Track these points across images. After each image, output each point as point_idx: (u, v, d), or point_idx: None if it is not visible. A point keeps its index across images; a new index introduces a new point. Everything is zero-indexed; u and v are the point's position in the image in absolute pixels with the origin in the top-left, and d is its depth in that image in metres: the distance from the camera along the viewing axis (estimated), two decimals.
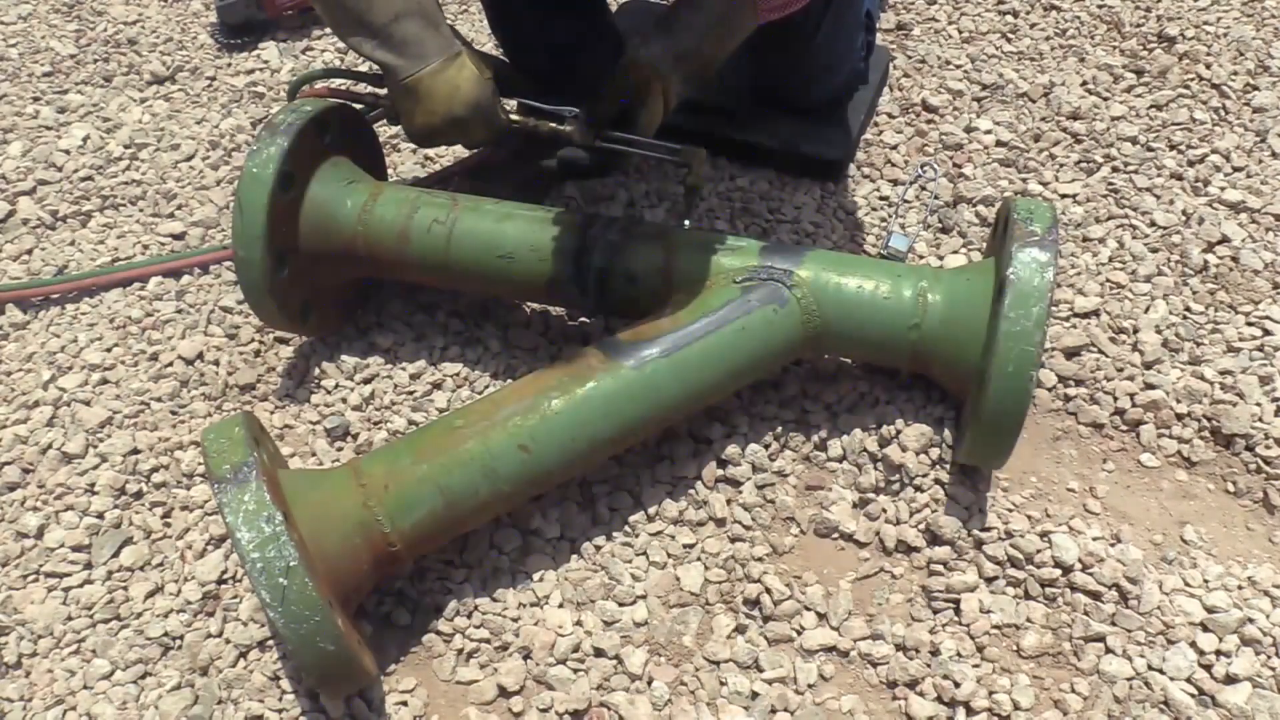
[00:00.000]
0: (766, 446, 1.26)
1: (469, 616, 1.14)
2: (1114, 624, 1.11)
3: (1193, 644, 1.09)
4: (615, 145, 1.24)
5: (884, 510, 1.21)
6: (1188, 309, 1.42)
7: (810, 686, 1.08)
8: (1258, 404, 1.29)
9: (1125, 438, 1.30)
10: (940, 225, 1.56)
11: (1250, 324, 1.39)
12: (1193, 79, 1.78)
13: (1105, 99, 1.76)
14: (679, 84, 1.23)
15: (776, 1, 1.22)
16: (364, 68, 1.93)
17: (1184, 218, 1.55)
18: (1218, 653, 1.08)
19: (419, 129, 1.22)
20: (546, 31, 1.50)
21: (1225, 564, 1.17)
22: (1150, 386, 1.32)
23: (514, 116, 1.27)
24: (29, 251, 1.58)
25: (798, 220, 1.57)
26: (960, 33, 1.93)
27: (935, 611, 1.14)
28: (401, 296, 1.48)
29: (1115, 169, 1.63)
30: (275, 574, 0.90)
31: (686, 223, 1.27)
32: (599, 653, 1.10)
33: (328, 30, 2.02)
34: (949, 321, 1.15)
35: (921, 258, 1.52)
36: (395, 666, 1.11)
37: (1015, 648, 1.10)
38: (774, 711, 1.06)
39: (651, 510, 1.22)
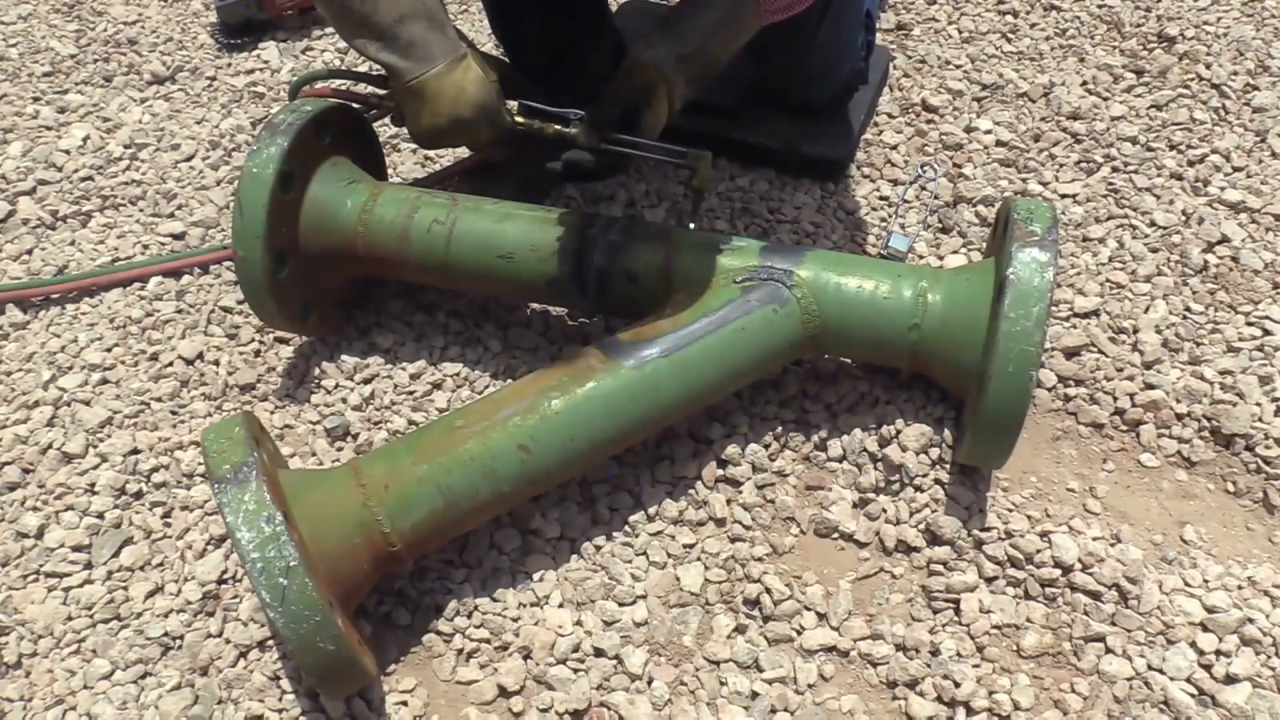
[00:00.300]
0: (766, 446, 1.26)
1: (469, 616, 1.14)
2: (1114, 624, 1.11)
3: (1193, 644, 1.09)
4: (620, 148, 1.24)
5: (884, 510, 1.21)
6: (1188, 309, 1.42)
7: (810, 686, 1.08)
8: (1258, 404, 1.29)
9: (1125, 438, 1.30)
10: (940, 225, 1.56)
11: (1250, 324, 1.39)
12: (1193, 79, 1.78)
13: (1105, 99, 1.76)
14: (683, 86, 1.23)
15: (781, 2, 1.22)
16: (363, 68, 1.93)
17: (1184, 218, 1.55)
18: (1218, 653, 1.08)
19: (424, 131, 1.21)
20: (547, 31, 1.49)
21: (1225, 564, 1.17)
22: (1150, 386, 1.32)
23: (519, 119, 1.27)
24: (29, 251, 1.58)
25: (798, 220, 1.57)
26: (960, 33, 1.93)
27: (935, 611, 1.14)
28: (401, 296, 1.48)
29: (1115, 169, 1.63)
30: (275, 574, 0.90)
31: (691, 225, 1.26)
32: (599, 653, 1.10)
33: (328, 30, 2.02)
34: (949, 321, 1.15)
35: (921, 258, 1.52)
36: (395, 666, 1.11)
37: (1015, 648, 1.10)
38: (774, 711, 1.06)
39: (651, 510, 1.22)
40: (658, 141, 1.24)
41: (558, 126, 1.27)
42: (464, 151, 1.69)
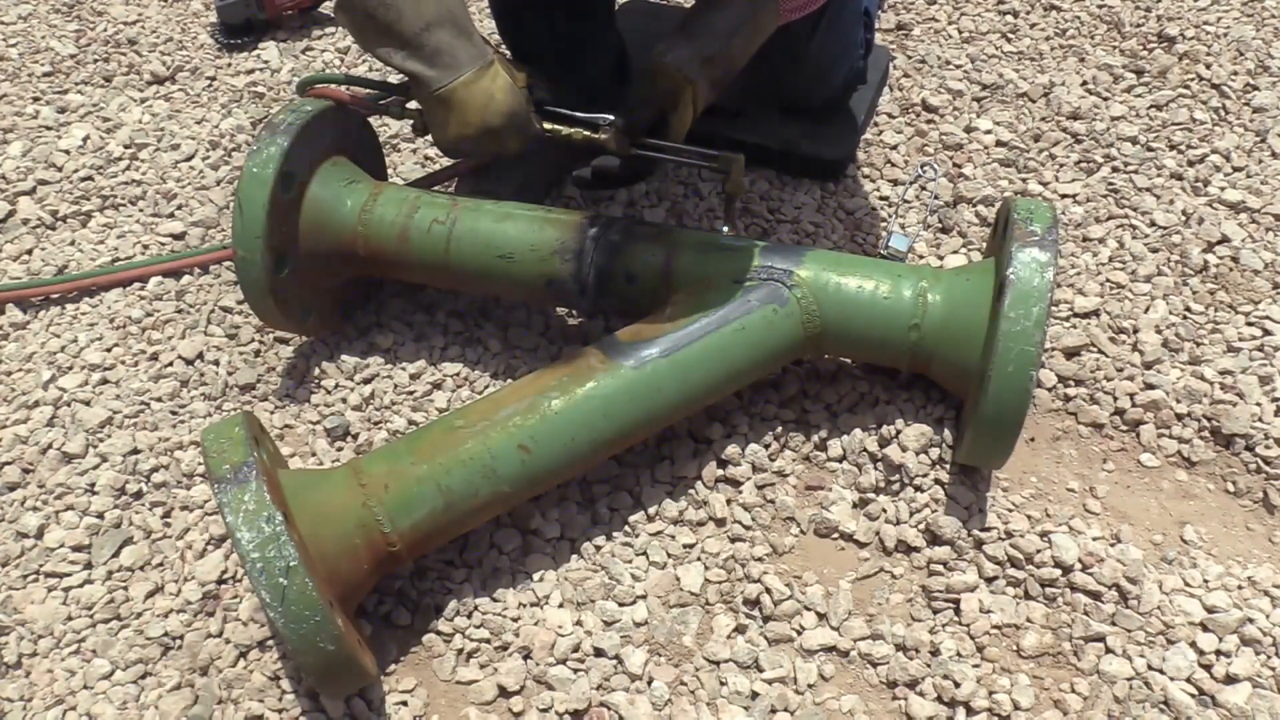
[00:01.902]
0: (766, 446, 1.26)
1: (469, 616, 1.14)
2: (1114, 624, 1.11)
3: (1193, 644, 1.09)
4: (651, 153, 1.23)
5: (884, 510, 1.21)
6: (1188, 309, 1.42)
7: (810, 686, 1.08)
8: (1258, 404, 1.29)
9: (1125, 438, 1.30)
10: (940, 225, 1.56)
11: (1250, 324, 1.39)
12: (1193, 79, 1.78)
13: (1105, 99, 1.76)
14: (706, 88, 1.22)
15: (798, 1, 1.22)
16: (362, 69, 1.93)
17: (1184, 218, 1.55)
18: (1218, 653, 1.08)
19: (452, 140, 1.19)
20: (554, 33, 1.49)
21: (1225, 564, 1.17)
22: (1150, 386, 1.32)
23: (547, 125, 1.25)
24: (29, 251, 1.58)
25: (798, 220, 1.57)
26: (960, 33, 1.93)
27: (935, 611, 1.14)
28: (401, 296, 1.48)
29: (1115, 169, 1.63)
30: (275, 574, 0.90)
31: (726, 229, 1.26)
32: (599, 653, 1.10)
33: (328, 30, 2.02)
34: (949, 321, 1.15)
35: (921, 258, 1.52)
36: (395, 666, 1.11)
37: (1015, 648, 1.10)
38: (774, 711, 1.06)
39: (651, 510, 1.22)
40: (686, 145, 1.23)
41: (586, 132, 1.25)
42: None
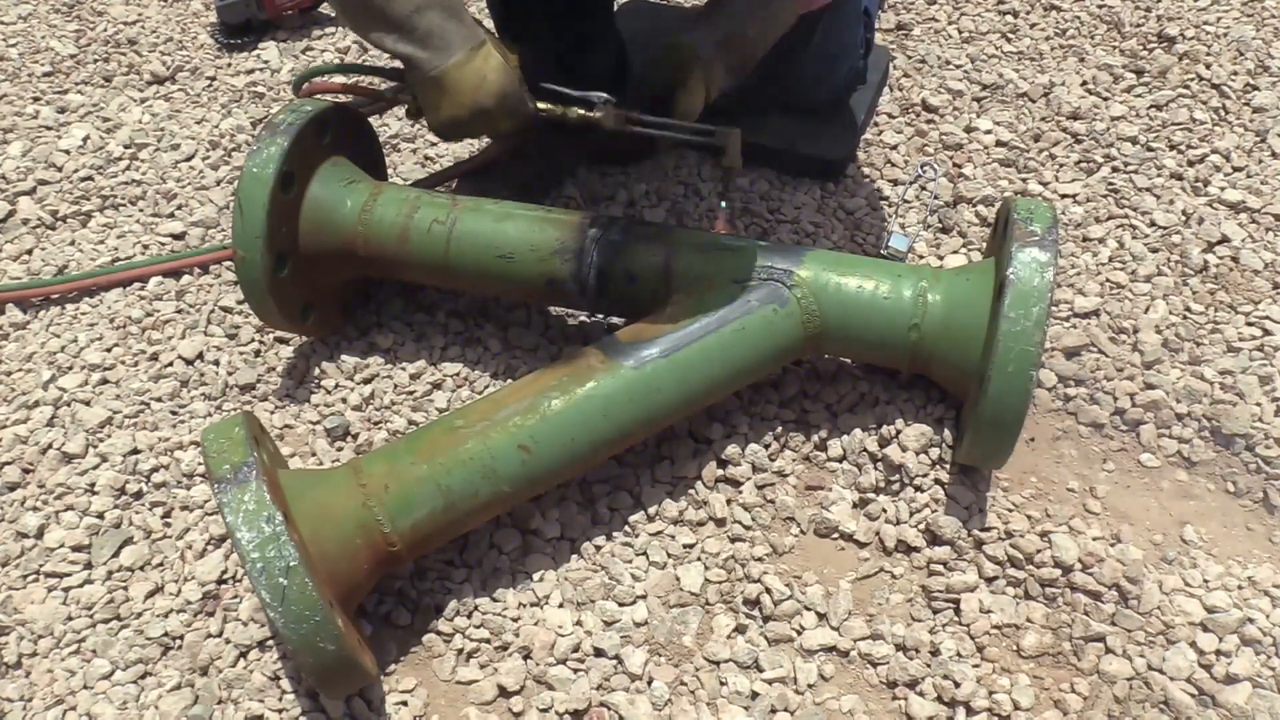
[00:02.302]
0: (766, 446, 1.26)
1: (469, 616, 1.14)
2: (1114, 624, 1.11)
3: (1193, 644, 1.09)
4: (648, 130, 1.22)
5: (884, 510, 1.21)
6: (1188, 309, 1.42)
7: (810, 686, 1.08)
8: (1258, 404, 1.29)
9: (1125, 438, 1.30)
10: (940, 225, 1.56)
11: (1250, 324, 1.39)
12: (1193, 79, 1.78)
13: (1105, 99, 1.76)
14: (721, 71, 1.22)
15: None
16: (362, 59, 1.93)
17: (1184, 218, 1.55)
18: (1218, 653, 1.08)
19: (445, 122, 1.19)
20: (557, 34, 1.49)
21: (1225, 564, 1.17)
22: (1150, 386, 1.32)
23: (541, 105, 1.24)
24: (29, 251, 1.58)
25: (798, 220, 1.57)
26: (960, 33, 1.93)
27: (935, 611, 1.14)
28: (401, 296, 1.48)
29: (1115, 169, 1.63)
30: (275, 574, 0.90)
31: (724, 205, 1.25)
32: (599, 653, 1.10)
33: (328, 30, 2.02)
34: (949, 321, 1.15)
35: (921, 258, 1.52)
36: (395, 666, 1.11)
37: (1015, 648, 1.10)
38: (774, 711, 1.06)
39: (651, 510, 1.22)
40: (685, 122, 1.23)
41: (581, 111, 1.24)
42: (464, 152, 1.69)
